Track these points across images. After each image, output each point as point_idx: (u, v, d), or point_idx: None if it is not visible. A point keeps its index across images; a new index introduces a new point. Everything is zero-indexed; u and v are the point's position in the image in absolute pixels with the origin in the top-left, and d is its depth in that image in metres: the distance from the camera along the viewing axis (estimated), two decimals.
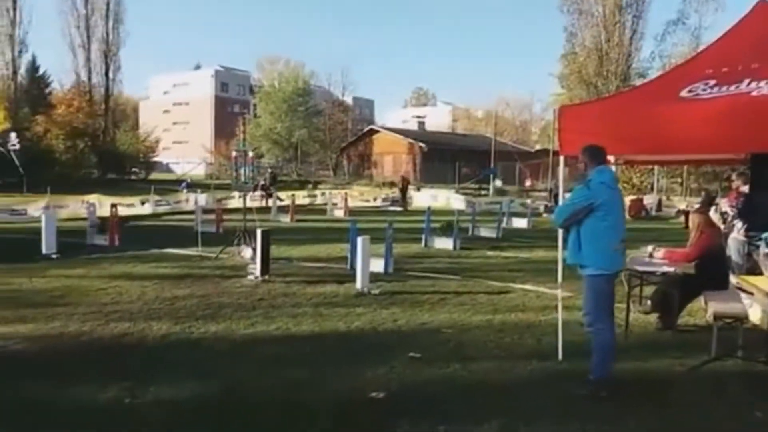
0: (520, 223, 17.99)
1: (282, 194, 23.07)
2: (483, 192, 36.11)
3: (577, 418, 4.14)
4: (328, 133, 59.96)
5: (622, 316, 6.05)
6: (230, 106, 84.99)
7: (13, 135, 32.19)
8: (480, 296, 7.87)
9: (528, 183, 41.00)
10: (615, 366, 4.62)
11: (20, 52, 44.66)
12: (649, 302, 6.77)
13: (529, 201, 24.33)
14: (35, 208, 17.05)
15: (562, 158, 5.70)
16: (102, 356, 5.27)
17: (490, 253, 12.23)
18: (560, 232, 5.19)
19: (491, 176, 37.85)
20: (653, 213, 24.45)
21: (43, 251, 10.55)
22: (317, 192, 29.62)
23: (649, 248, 6.92)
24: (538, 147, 58.91)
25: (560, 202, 5.63)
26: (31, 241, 11.31)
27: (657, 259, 6.64)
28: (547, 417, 4.14)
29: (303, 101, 57.63)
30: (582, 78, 39.59)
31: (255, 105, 63.39)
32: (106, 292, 7.73)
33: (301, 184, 39.29)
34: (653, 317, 6.55)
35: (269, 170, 28.83)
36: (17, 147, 31.16)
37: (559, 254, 5.38)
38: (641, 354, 5.45)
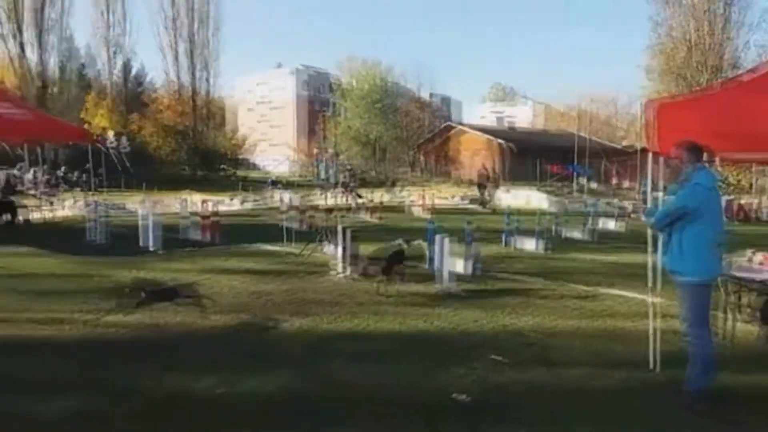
0: (608, 224, 17.30)
1: (362, 192, 23.39)
2: (569, 191, 35.00)
3: (671, 430, 3.98)
4: (406, 130, 60.15)
5: (720, 324, 5.73)
6: (312, 105, 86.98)
7: (124, 139, 34.38)
8: (566, 300, 7.68)
9: (616, 181, 39.38)
10: (714, 378, 4.40)
11: (116, 53, 47.68)
12: (757, 313, 6.35)
13: (617, 201, 23.40)
14: (135, 203, 18.22)
15: (650, 156, 5.45)
16: (197, 347, 5.57)
17: (577, 255, 11.86)
18: (650, 234, 5.00)
19: (577, 175, 36.56)
20: (755, 216, 22.63)
21: (149, 246, 11.23)
22: (397, 190, 29.77)
23: (749, 253, 6.51)
24: (625, 143, 56.51)
25: (650, 203, 5.41)
26: (130, 236, 12.06)
27: (757, 264, 6.23)
28: (637, 428, 4.01)
29: (381, 98, 58.08)
30: (671, 70, 37.55)
31: (334, 103, 64.55)
32: (201, 285, 8.13)
33: (380, 182, 39.64)
34: (762, 328, 6.13)
35: (349, 168, 29.27)
36: (128, 149, 33.20)
37: (650, 258, 5.16)
38: (744, 366, 5.13)
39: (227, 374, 4.78)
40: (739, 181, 31.32)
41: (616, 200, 23.89)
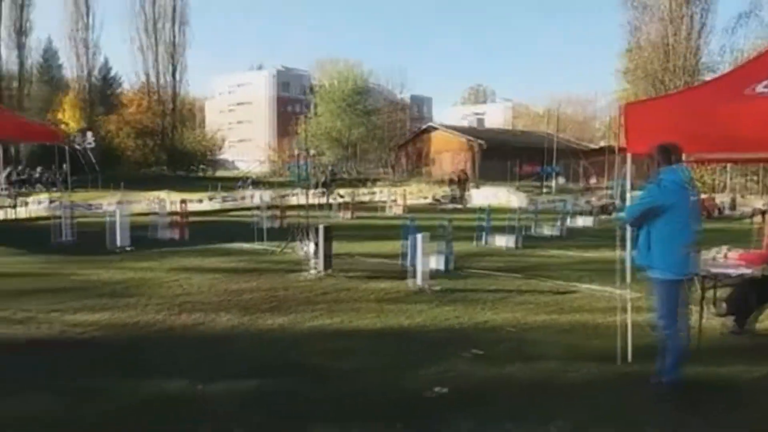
0: (583, 221, 17.58)
1: (341, 191, 23.38)
2: (544, 190, 35.41)
3: (644, 422, 4.04)
4: (386, 131, 60.26)
5: (695, 318, 5.83)
6: (290, 106, 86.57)
7: (89, 134, 34.00)
8: (542, 295, 7.75)
9: (592, 181, 39.90)
10: (685, 370, 4.49)
11: (93, 54, 47.06)
12: (724, 305, 6.49)
13: (593, 199, 23.73)
14: (109, 203, 17.97)
15: (629, 156, 5.55)
16: (175, 345, 5.50)
17: (553, 251, 12.01)
18: (627, 231, 5.08)
19: (553, 174, 37.04)
20: (726, 212, 23.38)
21: (117, 244, 11.07)
22: (375, 189, 29.82)
23: (723, 249, 6.63)
24: (602, 144, 57.30)
25: (627, 201, 5.50)
26: (105, 235, 11.88)
27: (731, 260, 6.35)
28: (612, 419, 4.05)
29: (360, 100, 58.14)
30: (647, 73, 38.17)
31: (314, 104, 64.41)
32: (178, 283, 8.06)
33: (359, 182, 39.62)
34: (728, 320, 6.27)
35: (328, 168, 29.23)
36: (92, 145, 32.82)
37: (627, 254, 5.23)
38: (713, 358, 5.23)
39: (204, 373, 4.71)
40: (713, 180, 31.99)
41: (590, 199, 24.22)
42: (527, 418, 4.05)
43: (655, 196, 4.36)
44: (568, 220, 16.64)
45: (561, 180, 37.73)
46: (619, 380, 4.77)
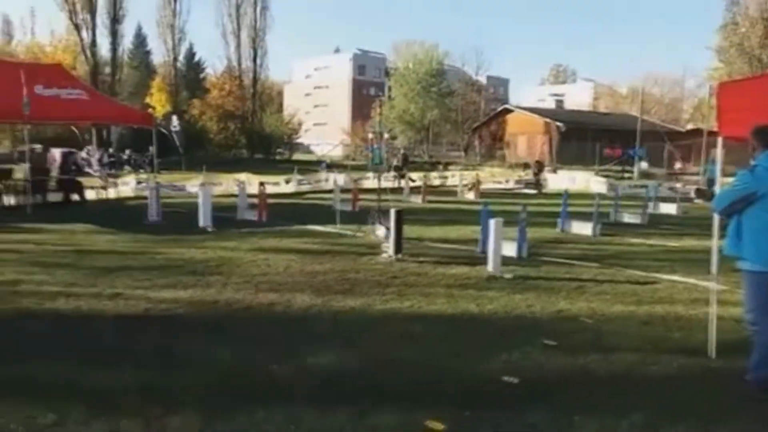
0: (668, 208, 16.75)
1: (414, 175, 23.37)
2: (627, 175, 33.96)
3: (729, 419, 3.85)
4: (461, 114, 59.57)
5: None
6: (366, 89, 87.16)
7: (174, 118, 35.69)
8: (622, 286, 7.48)
9: (678, 165, 37.87)
10: None
11: (179, 40, 49.13)
12: None
13: (678, 185, 22.57)
14: (192, 184, 18.82)
15: (720, 139, 5.25)
16: (253, 324, 5.72)
17: (633, 240, 11.54)
18: (715, 219, 4.82)
19: (635, 158, 35.43)
20: None
21: (200, 224, 11.59)
22: (447, 173, 29.60)
23: None
24: (690, 126, 54.18)
25: (716, 187, 5.21)
26: (190, 215, 12.46)
27: None
28: (694, 415, 3.87)
29: (436, 82, 57.69)
30: (744, 50, 35.64)
31: (390, 87, 64.46)
32: (256, 263, 8.35)
33: (432, 165, 39.44)
34: None
35: (402, 151, 29.26)
36: (178, 128, 34.43)
37: (714, 243, 4.97)
38: None
39: (278, 353, 4.87)
40: None
41: (678, 184, 23.04)
42: (602, 410, 3.94)
43: (747, 184, 4.11)
44: (651, 206, 15.91)
45: (644, 164, 36.00)
46: (702, 375, 4.56)
